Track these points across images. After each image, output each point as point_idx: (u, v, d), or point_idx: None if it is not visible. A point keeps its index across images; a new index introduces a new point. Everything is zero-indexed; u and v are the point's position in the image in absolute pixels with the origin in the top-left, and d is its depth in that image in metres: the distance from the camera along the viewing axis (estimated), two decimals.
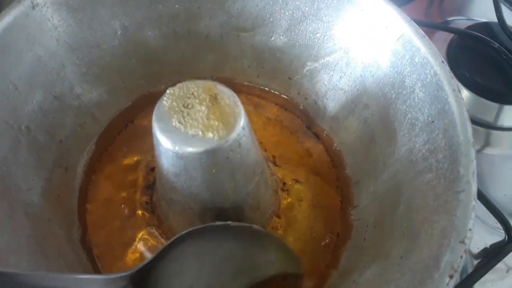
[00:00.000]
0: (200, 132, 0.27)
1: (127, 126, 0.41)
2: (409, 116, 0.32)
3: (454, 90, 0.28)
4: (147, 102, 0.40)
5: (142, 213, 0.37)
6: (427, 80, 0.30)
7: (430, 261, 0.25)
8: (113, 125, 0.40)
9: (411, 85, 0.31)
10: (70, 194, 0.36)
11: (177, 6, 0.37)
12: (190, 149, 0.27)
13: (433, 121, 0.30)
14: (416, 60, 0.31)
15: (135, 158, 0.39)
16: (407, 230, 0.29)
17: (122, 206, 0.37)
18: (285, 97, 0.42)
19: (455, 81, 0.29)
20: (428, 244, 0.26)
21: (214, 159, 0.27)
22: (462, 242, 0.24)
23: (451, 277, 0.23)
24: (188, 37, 0.39)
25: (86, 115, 0.37)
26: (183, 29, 0.38)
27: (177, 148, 0.27)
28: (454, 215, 0.25)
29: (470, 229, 0.24)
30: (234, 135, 0.27)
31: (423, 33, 0.31)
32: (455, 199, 0.26)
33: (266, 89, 0.43)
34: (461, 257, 0.24)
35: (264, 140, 0.41)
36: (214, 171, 0.28)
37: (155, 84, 0.41)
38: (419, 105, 0.31)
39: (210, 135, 0.27)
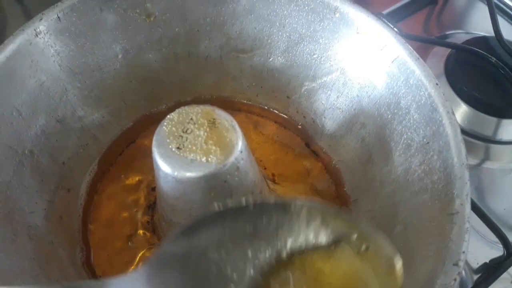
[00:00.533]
0: (199, 157, 0.27)
1: (128, 146, 0.41)
2: (405, 136, 0.32)
3: (448, 112, 0.29)
4: (148, 122, 0.41)
5: (144, 233, 0.37)
6: (422, 102, 0.31)
7: (425, 283, 0.25)
8: (114, 146, 0.40)
9: (406, 106, 0.32)
10: (73, 215, 0.37)
11: (177, 29, 0.38)
12: (189, 174, 0.27)
13: (428, 142, 0.30)
14: (411, 82, 0.31)
15: (137, 178, 0.40)
16: (403, 251, 0.29)
17: (124, 226, 0.38)
18: (284, 115, 0.43)
19: (449, 104, 0.29)
20: (423, 266, 0.27)
21: (213, 183, 0.28)
22: (456, 264, 0.24)
23: None
24: (188, 58, 0.40)
25: (88, 137, 0.38)
26: (183, 51, 0.39)
27: (176, 173, 0.27)
28: (448, 237, 0.26)
29: (463, 252, 0.25)
30: (232, 159, 0.28)
31: (418, 55, 0.31)
32: (450, 221, 0.26)
33: (265, 107, 0.43)
34: (455, 280, 0.24)
35: (263, 158, 0.41)
36: (212, 194, 0.28)
37: (156, 104, 0.41)
38: (415, 126, 0.31)
39: (209, 159, 0.27)
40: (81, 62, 0.36)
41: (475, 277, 0.40)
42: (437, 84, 0.30)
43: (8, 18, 0.54)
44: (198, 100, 0.42)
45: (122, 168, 0.40)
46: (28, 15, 0.54)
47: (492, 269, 0.39)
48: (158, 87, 0.40)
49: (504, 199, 0.46)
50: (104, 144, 0.40)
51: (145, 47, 0.38)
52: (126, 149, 0.41)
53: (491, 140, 0.48)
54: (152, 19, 0.37)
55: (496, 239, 0.40)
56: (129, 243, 0.37)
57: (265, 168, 0.40)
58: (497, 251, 0.40)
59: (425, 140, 0.30)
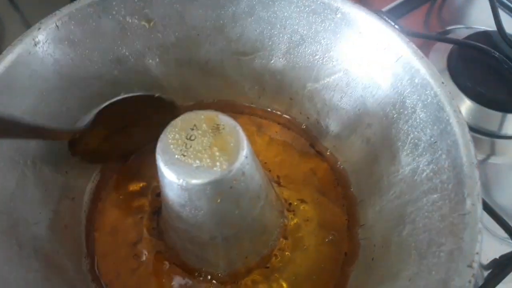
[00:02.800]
0: (204, 164, 0.27)
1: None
2: (412, 136, 0.32)
3: (455, 111, 0.29)
4: None
5: (149, 239, 0.37)
6: (428, 101, 0.30)
7: (439, 285, 0.25)
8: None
9: (412, 105, 0.31)
10: (78, 224, 0.36)
11: (176, 34, 0.37)
12: (194, 181, 0.27)
13: (435, 142, 0.30)
14: (416, 81, 0.31)
15: (141, 184, 0.40)
16: (414, 251, 0.29)
17: (129, 232, 0.37)
18: (287, 116, 0.42)
19: (455, 102, 0.29)
20: (436, 267, 0.26)
21: (218, 190, 0.28)
22: (470, 266, 0.24)
23: None
24: (189, 63, 0.39)
25: None
26: (183, 56, 0.39)
27: (181, 180, 0.27)
28: (460, 238, 0.25)
29: (477, 253, 0.24)
30: (237, 164, 0.27)
31: (422, 54, 0.31)
32: (461, 222, 0.26)
33: (268, 109, 0.43)
34: (470, 281, 0.24)
35: (268, 161, 0.41)
36: (218, 200, 0.28)
37: None
38: (421, 125, 0.31)
39: (214, 166, 0.27)
40: (81, 70, 0.35)
41: (485, 273, 0.40)
42: (443, 82, 0.30)
43: (5, 26, 0.54)
44: (200, 104, 0.42)
45: (126, 174, 0.40)
46: (26, 23, 0.54)
47: (502, 265, 0.39)
48: (159, 92, 0.40)
49: (511, 195, 0.46)
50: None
51: (144, 53, 0.38)
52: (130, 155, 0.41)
53: (496, 135, 0.48)
54: (151, 24, 0.36)
55: (506, 235, 0.40)
56: (135, 250, 0.36)
57: (269, 171, 0.40)
58: (507, 246, 0.40)
59: (432, 139, 0.30)
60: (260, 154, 0.41)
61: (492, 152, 0.48)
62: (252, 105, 0.43)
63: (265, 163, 0.40)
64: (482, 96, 0.47)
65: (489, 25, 0.53)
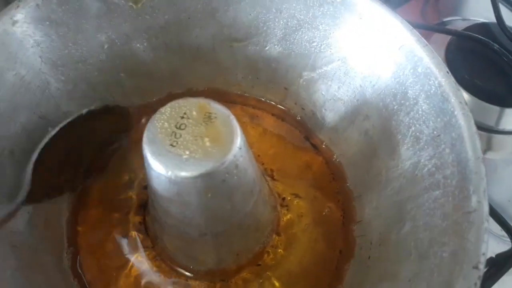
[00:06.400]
0: (194, 155, 0.25)
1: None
2: (413, 128, 0.30)
3: (461, 102, 0.27)
4: (138, 116, 0.39)
5: (136, 235, 0.35)
6: (431, 91, 0.29)
7: (441, 287, 0.24)
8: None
9: (414, 96, 0.30)
10: (60, 217, 0.35)
11: (166, 17, 0.35)
12: (184, 174, 0.25)
13: (439, 135, 0.28)
14: (419, 70, 0.29)
15: (127, 176, 0.38)
16: (414, 250, 0.28)
17: (115, 227, 0.35)
18: (282, 107, 0.41)
19: (461, 93, 0.27)
20: (438, 268, 0.25)
21: (210, 183, 0.26)
22: (476, 267, 0.23)
23: None
24: (179, 48, 0.37)
25: None
26: (173, 40, 0.37)
27: (170, 173, 0.25)
28: (465, 238, 0.24)
29: (483, 254, 0.23)
30: (230, 156, 0.26)
31: (426, 41, 0.29)
32: (466, 220, 0.24)
33: (262, 99, 0.41)
34: (475, 284, 0.22)
35: (261, 153, 0.39)
36: (209, 195, 0.26)
37: (146, 97, 0.39)
38: (424, 118, 0.29)
39: (205, 157, 0.25)
40: (64, 54, 0.33)
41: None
42: (448, 72, 0.28)
43: None
44: (190, 92, 0.40)
45: (112, 165, 0.38)
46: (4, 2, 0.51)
47: (499, 264, 0.38)
48: (147, 79, 0.38)
49: (508, 191, 0.45)
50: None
51: (132, 36, 0.36)
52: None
53: (494, 130, 0.47)
54: (139, 6, 0.34)
55: (503, 233, 0.39)
56: (121, 246, 0.35)
57: (262, 164, 0.38)
58: (504, 244, 0.39)
59: (435, 132, 0.28)
60: (253, 146, 0.39)
61: (489, 147, 0.47)
62: (245, 94, 0.41)
63: (258, 155, 0.39)
64: (480, 89, 0.46)
65: (486, 17, 0.52)
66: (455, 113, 0.27)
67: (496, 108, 0.46)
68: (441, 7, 0.58)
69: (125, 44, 0.36)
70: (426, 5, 0.58)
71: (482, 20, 0.54)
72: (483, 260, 0.23)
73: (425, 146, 0.29)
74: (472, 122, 0.27)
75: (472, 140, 0.26)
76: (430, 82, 0.29)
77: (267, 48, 0.37)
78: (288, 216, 0.36)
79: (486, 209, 0.24)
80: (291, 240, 0.35)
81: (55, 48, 0.33)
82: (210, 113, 0.27)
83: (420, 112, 0.30)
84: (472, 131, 0.27)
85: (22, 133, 0.32)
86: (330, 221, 0.36)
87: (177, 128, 0.26)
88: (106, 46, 0.35)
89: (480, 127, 0.46)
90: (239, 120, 0.27)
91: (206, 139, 0.26)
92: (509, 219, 0.40)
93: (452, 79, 0.28)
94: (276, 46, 0.37)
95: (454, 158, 0.27)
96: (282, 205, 0.37)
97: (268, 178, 0.37)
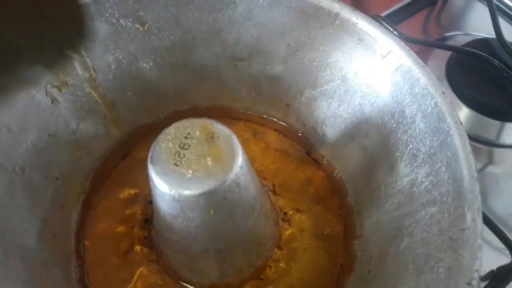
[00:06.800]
0: (197, 174, 0.26)
1: (124, 158, 0.40)
2: (411, 146, 0.31)
3: (456, 122, 0.28)
4: (144, 133, 0.40)
5: (141, 249, 0.36)
6: (428, 111, 0.29)
7: None
8: (109, 158, 0.39)
9: (411, 115, 0.31)
10: (67, 232, 0.35)
11: (171, 37, 0.37)
12: (187, 192, 0.26)
13: (435, 153, 0.29)
14: (416, 90, 0.30)
15: (133, 191, 0.39)
16: (412, 265, 0.28)
17: (121, 241, 0.36)
18: (284, 123, 0.42)
19: (456, 113, 0.28)
20: (434, 283, 0.25)
21: (212, 201, 0.27)
22: (469, 284, 0.23)
23: None
24: (184, 67, 0.38)
25: (81, 150, 0.37)
26: (178, 60, 0.38)
27: (173, 191, 0.26)
28: (460, 254, 0.25)
29: (477, 270, 0.24)
30: (231, 175, 0.26)
31: (423, 63, 0.30)
32: (461, 237, 0.25)
33: (264, 116, 0.42)
34: None
35: (263, 168, 0.40)
36: (212, 212, 0.27)
37: (151, 114, 0.40)
38: (421, 136, 0.30)
39: (208, 176, 0.26)
40: (73, 74, 0.34)
41: (482, 285, 0.39)
42: (443, 93, 0.29)
43: None
44: (195, 109, 0.41)
45: (117, 181, 0.39)
46: None
47: (499, 277, 0.38)
48: (153, 97, 0.39)
49: (509, 204, 0.45)
50: (99, 156, 0.38)
51: (138, 56, 0.37)
52: (122, 161, 0.40)
53: (494, 144, 0.47)
54: (145, 27, 0.36)
55: (503, 246, 0.39)
56: (126, 259, 0.36)
57: (265, 178, 0.39)
58: (505, 257, 0.39)
59: (432, 150, 0.29)
60: (255, 161, 0.40)
61: (489, 161, 0.47)
62: (248, 111, 0.42)
63: (261, 171, 0.39)
64: (481, 104, 0.47)
65: (487, 32, 0.53)
66: (451, 132, 0.28)
67: (497, 123, 0.46)
68: (443, 21, 0.59)
69: (131, 64, 0.37)
70: (428, 20, 0.59)
71: (483, 35, 0.54)
72: (476, 276, 0.23)
73: (422, 164, 0.30)
74: (467, 141, 0.28)
75: (467, 159, 0.27)
76: (426, 102, 0.30)
77: (269, 67, 0.38)
78: (290, 231, 0.37)
79: (480, 226, 0.25)
80: (292, 254, 0.36)
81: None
82: (212, 133, 0.27)
83: (417, 131, 0.31)
84: (467, 150, 0.27)
85: (32, 150, 0.33)
86: (331, 235, 0.37)
87: (181, 148, 0.27)
88: (113, 66, 0.36)
89: (481, 141, 0.47)
90: (242, 136, 0.28)
91: (209, 159, 0.27)
92: (509, 231, 0.40)
93: (448, 99, 0.29)
94: (278, 65, 0.38)
95: (449, 176, 0.28)
96: (283, 220, 0.37)
97: (270, 193, 0.38)
